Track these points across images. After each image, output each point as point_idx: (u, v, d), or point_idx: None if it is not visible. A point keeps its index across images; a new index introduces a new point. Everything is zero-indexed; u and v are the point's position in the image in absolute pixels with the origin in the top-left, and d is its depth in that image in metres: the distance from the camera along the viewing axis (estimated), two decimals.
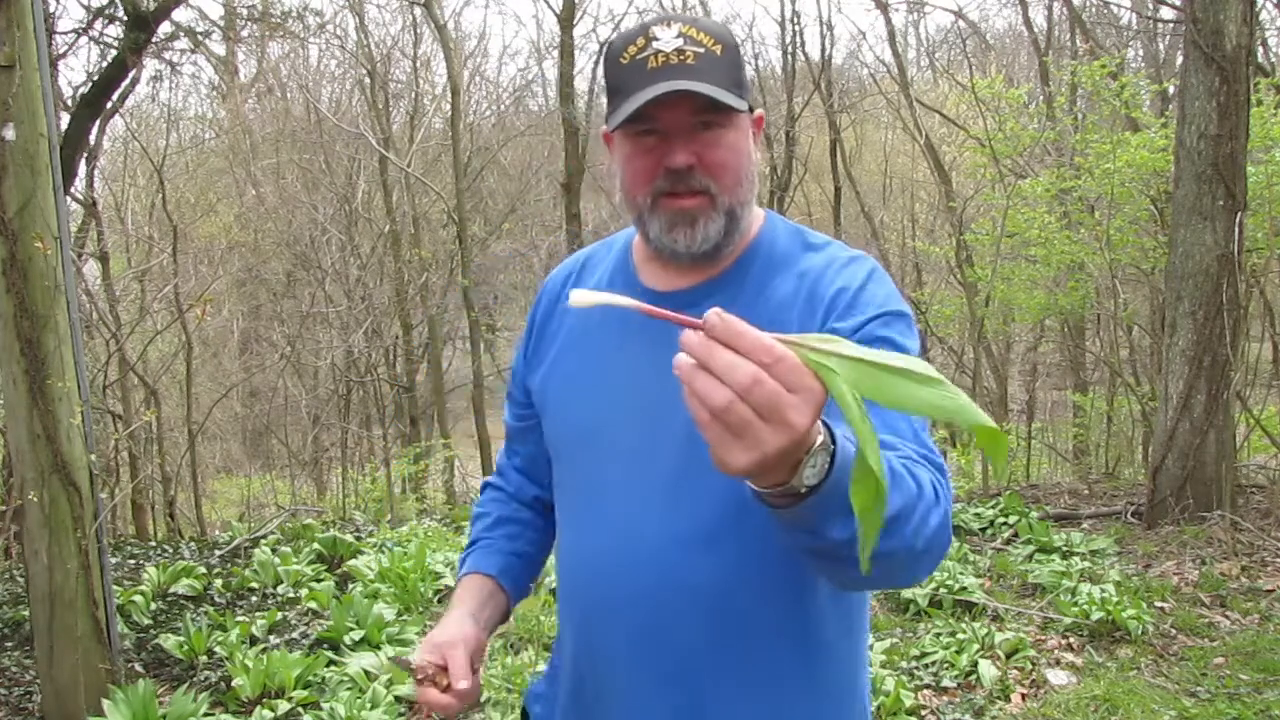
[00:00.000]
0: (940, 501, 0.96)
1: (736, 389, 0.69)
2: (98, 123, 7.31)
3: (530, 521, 1.40)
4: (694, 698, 1.15)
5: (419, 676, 1.20)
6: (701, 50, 1.11)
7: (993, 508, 6.40)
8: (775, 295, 1.17)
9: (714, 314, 0.70)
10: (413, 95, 14.53)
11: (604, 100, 1.22)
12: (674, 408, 1.12)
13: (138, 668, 3.89)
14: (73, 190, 7.16)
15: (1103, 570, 5.09)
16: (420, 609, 4.79)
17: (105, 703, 3.24)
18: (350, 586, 5.07)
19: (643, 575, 1.16)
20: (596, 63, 12.44)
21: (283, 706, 3.53)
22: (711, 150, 1.13)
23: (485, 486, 1.47)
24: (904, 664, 4.02)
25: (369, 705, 3.48)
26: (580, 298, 0.74)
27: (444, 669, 1.20)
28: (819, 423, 0.78)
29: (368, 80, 13.65)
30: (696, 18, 1.16)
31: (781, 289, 1.18)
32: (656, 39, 1.12)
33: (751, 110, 1.19)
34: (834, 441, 0.79)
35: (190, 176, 14.18)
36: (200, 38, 8.61)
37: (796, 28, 12.63)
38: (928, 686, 3.85)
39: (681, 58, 1.10)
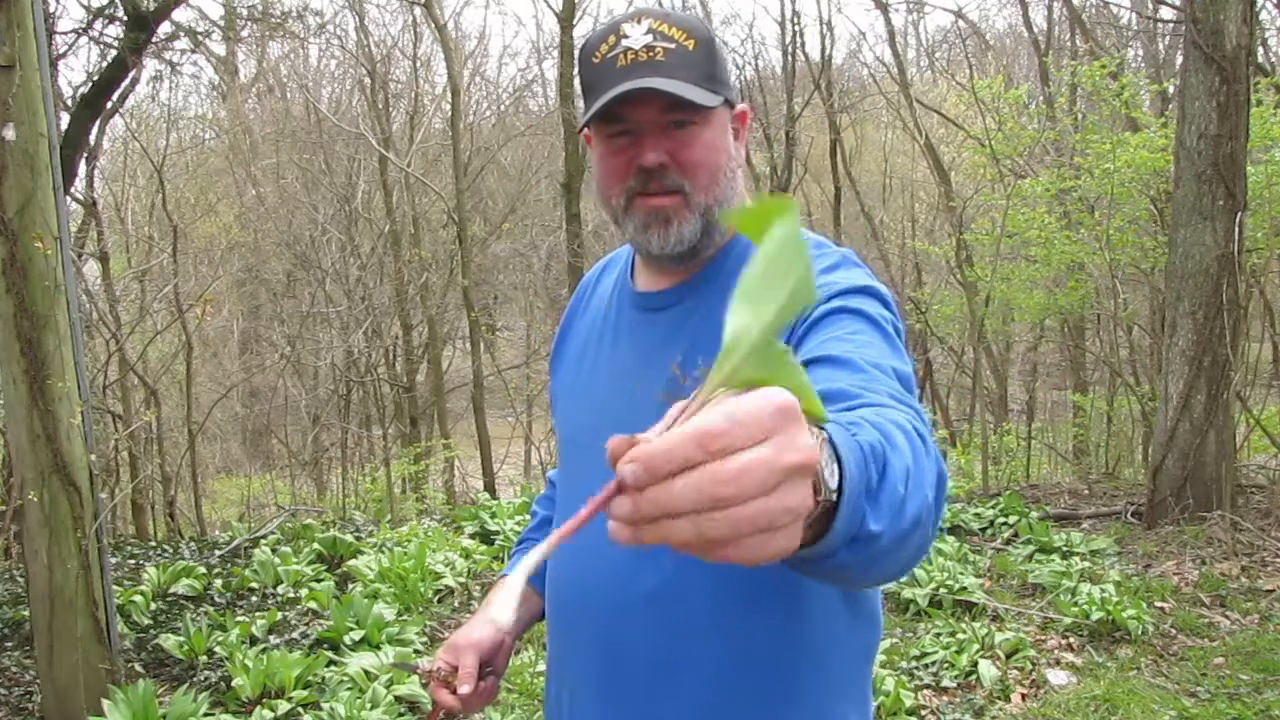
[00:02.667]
0: (924, 438, 0.81)
1: (694, 509, 0.53)
2: (98, 123, 7.31)
3: None
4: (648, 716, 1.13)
5: (424, 681, 1.24)
6: (672, 45, 1.08)
7: (993, 508, 6.40)
8: None
9: (625, 466, 0.56)
10: (413, 95, 14.52)
11: None
12: (642, 414, 1.12)
13: (138, 668, 3.89)
14: (73, 190, 7.16)
15: (1103, 570, 5.10)
16: (420, 609, 4.79)
17: (105, 703, 3.24)
18: (350, 586, 5.07)
19: (596, 584, 1.16)
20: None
21: (283, 706, 3.53)
22: (685, 149, 1.10)
23: (548, 487, 1.49)
24: (904, 664, 4.02)
25: (369, 705, 3.48)
26: None
27: (455, 670, 1.23)
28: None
29: (368, 80, 13.64)
30: (669, 12, 1.12)
31: None
32: (626, 36, 1.09)
33: (733, 105, 1.15)
34: (824, 429, 0.68)
35: (190, 176, 14.18)
36: (200, 38, 8.61)
37: (796, 28, 12.62)
38: (928, 686, 3.85)
39: (651, 54, 1.07)
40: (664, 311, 1.19)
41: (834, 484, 0.67)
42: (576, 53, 1.18)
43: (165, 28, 7.14)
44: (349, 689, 3.68)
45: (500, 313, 18.53)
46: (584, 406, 1.25)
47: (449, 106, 12.30)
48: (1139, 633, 4.25)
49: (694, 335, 1.14)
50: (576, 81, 1.25)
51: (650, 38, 1.08)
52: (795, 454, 0.54)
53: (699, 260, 1.17)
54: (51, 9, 6.50)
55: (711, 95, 1.09)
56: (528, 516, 1.65)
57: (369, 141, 12.83)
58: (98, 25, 6.84)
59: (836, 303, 1.02)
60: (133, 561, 5.61)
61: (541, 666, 3.88)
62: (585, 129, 1.14)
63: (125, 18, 6.18)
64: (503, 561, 5.44)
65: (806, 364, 0.95)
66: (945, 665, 3.97)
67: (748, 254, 1.16)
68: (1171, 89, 10.27)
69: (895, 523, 0.72)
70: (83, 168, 7.48)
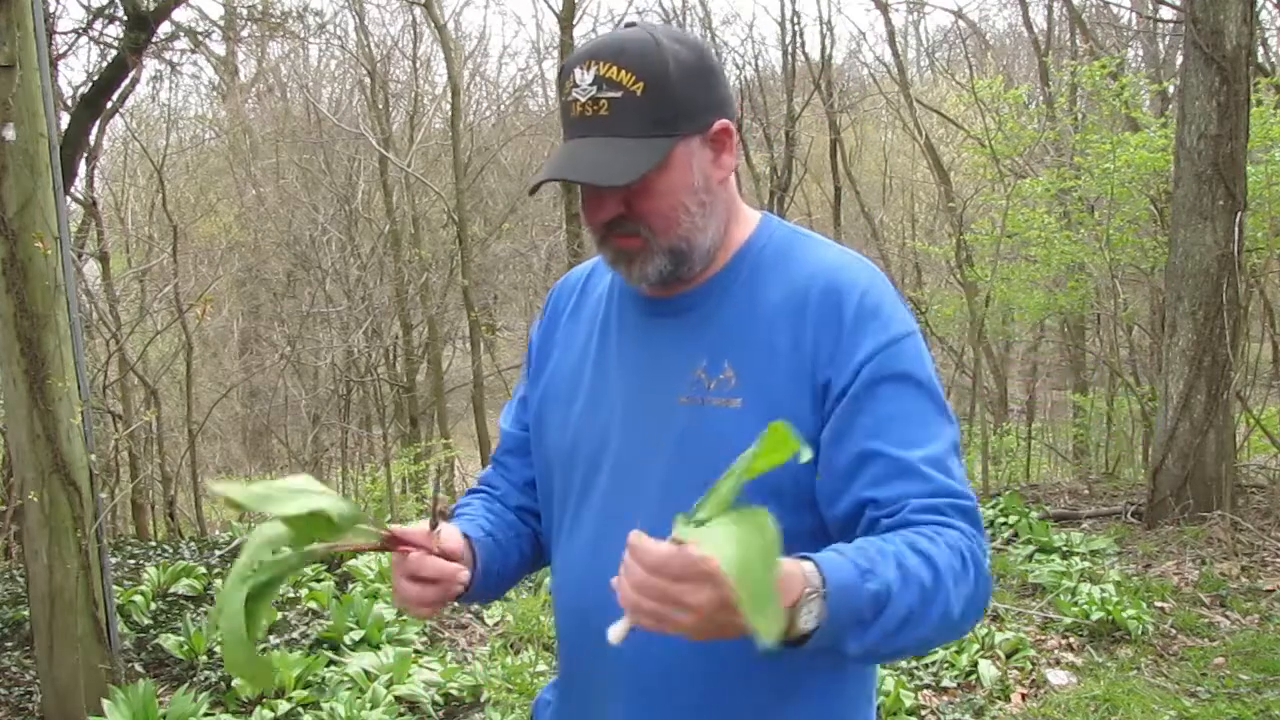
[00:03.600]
0: (969, 568, 1.01)
1: (640, 592, 0.88)
2: (98, 123, 7.31)
3: (512, 523, 1.33)
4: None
5: (436, 509, 1.10)
6: (618, 95, 1.07)
7: (993, 508, 6.40)
8: (765, 301, 1.15)
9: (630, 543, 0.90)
10: (413, 95, 14.52)
11: None
12: (665, 417, 1.14)
13: (138, 668, 3.89)
14: (73, 190, 7.16)
15: (1103, 570, 5.09)
16: None
17: (105, 703, 3.24)
18: (350, 586, 5.07)
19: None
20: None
21: (283, 706, 3.53)
22: (640, 198, 1.11)
23: (470, 492, 1.40)
24: (904, 664, 4.01)
25: (369, 705, 3.48)
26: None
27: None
28: (811, 568, 0.91)
29: (368, 80, 13.64)
30: (623, 47, 1.08)
31: (772, 294, 1.15)
32: (577, 85, 1.09)
33: (707, 127, 1.12)
34: (825, 584, 0.91)
35: (190, 176, 14.18)
36: (200, 38, 8.60)
37: (796, 28, 12.65)
38: (928, 686, 3.85)
39: (596, 108, 1.07)
40: (679, 316, 1.18)
41: (809, 626, 0.90)
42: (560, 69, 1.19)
43: (165, 28, 7.14)
44: (349, 689, 3.68)
45: (500, 313, 18.52)
46: (589, 413, 1.22)
47: (449, 106, 12.29)
48: (1139, 633, 4.25)
49: (716, 339, 1.15)
50: None
51: (595, 88, 1.08)
52: (689, 597, 0.87)
53: (696, 274, 1.18)
54: (51, 9, 6.50)
55: (654, 148, 1.08)
56: None
57: (369, 141, 12.82)
58: (98, 25, 6.83)
59: (892, 368, 1.09)
60: (133, 561, 5.61)
61: (542, 666, 3.88)
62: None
63: (125, 18, 6.18)
64: None
65: (861, 453, 1.07)
66: (945, 665, 3.97)
67: (759, 264, 1.18)
68: (1171, 89, 10.26)
69: (876, 649, 0.96)
70: (83, 168, 7.47)
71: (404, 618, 4.58)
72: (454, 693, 3.77)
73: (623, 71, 1.07)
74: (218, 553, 5.95)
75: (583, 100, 1.08)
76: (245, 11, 9.51)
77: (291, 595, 4.98)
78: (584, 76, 1.08)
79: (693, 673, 1.13)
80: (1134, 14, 13.17)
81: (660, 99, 1.08)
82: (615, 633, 0.92)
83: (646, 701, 1.15)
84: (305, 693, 3.64)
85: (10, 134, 3.14)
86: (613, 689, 1.18)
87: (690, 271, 1.16)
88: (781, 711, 1.13)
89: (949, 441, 1.09)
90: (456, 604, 1.23)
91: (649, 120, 1.08)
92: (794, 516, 1.07)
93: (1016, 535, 5.89)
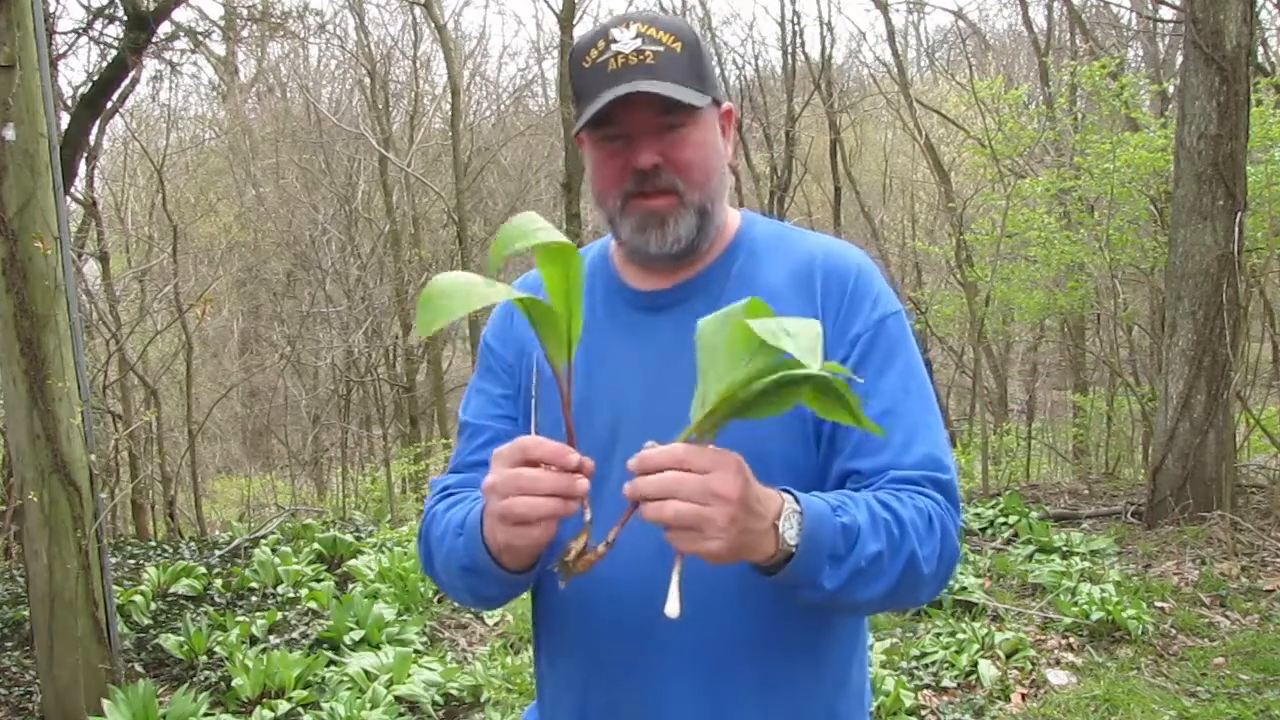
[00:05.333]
0: (935, 529, 1.06)
1: (668, 494, 0.87)
2: (98, 123, 7.31)
3: None
4: (719, 696, 1.14)
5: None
6: (660, 48, 1.11)
7: (993, 508, 6.40)
8: (769, 281, 1.18)
9: (631, 461, 0.90)
10: (413, 95, 14.53)
11: None
12: (683, 406, 1.13)
13: (138, 668, 3.89)
14: (73, 190, 7.16)
15: (1103, 570, 5.09)
16: (420, 609, 4.79)
17: (105, 703, 3.24)
18: (350, 586, 5.07)
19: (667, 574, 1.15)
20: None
21: (283, 706, 3.53)
22: (678, 149, 1.13)
23: (449, 505, 1.21)
24: (904, 664, 4.02)
25: (369, 705, 3.48)
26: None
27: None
28: (786, 493, 0.96)
29: (368, 80, 13.65)
30: (656, 15, 1.15)
31: (771, 279, 1.18)
32: (615, 41, 1.11)
33: (719, 104, 1.18)
34: (799, 502, 0.96)
35: (190, 176, 14.18)
36: (200, 38, 8.61)
37: (796, 28, 12.65)
38: (928, 686, 3.85)
39: (641, 58, 1.10)
40: (676, 309, 1.18)
41: (792, 540, 0.95)
42: (566, 57, 1.20)
43: (165, 28, 7.14)
44: (349, 689, 3.68)
45: None
46: (585, 417, 1.16)
47: (449, 106, 12.30)
48: (1139, 633, 4.25)
49: None
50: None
51: (639, 42, 1.11)
52: (721, 486, 0.88)
53: (698, 259, 1.20)
54: (51, 9, 6.50)
55: (701, 96, 1.12)
56: None
57: (369, 141, 12.83)
58: (98, 25, 6.84)
59: (882, 344, 1.15)
60: (133, 561, 5.61)
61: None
62: (579, 133, 1.17)
63: (125, 18, 6.18)
64: None
65: (849, 425, 1.09)
66: (945, 665, 3.97)
67: (754, 252, 1.21)
68: (1171, 89, 10.26)
69: (850, 589, 0.99)
70: (83, 168, 7.47)
71: (404, 618, 4.58)
72: (454, 693, 3.77)
73: (662, 32, 1.13)
74: (218, 553, 5.95)
75: (626, 52, 1.11)
76: (245, 11, 9.51)
77: (291, 595, 4.99)
78: (624, 34, 1.12)
79: (742, 637, 1.13)
80: (1134, 14, 13.16)
81: (697, 60, 1.14)
82: (672, 605, 0.87)
83: (710, 672, 1.13)
84: (305, 693, 3.64)
85: (10, 134, 3.14)
86: (671, 668, 1.14)
87: (706, 241, 1.19)
88: (815, 681, 1.17)
89: (931, 415, 1.15)
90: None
91: (691, 74, 1.13)
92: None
93: (1016, 535, 5.89)
